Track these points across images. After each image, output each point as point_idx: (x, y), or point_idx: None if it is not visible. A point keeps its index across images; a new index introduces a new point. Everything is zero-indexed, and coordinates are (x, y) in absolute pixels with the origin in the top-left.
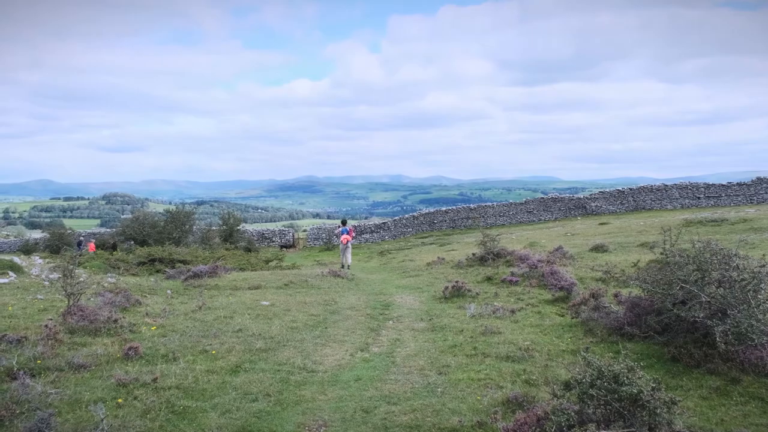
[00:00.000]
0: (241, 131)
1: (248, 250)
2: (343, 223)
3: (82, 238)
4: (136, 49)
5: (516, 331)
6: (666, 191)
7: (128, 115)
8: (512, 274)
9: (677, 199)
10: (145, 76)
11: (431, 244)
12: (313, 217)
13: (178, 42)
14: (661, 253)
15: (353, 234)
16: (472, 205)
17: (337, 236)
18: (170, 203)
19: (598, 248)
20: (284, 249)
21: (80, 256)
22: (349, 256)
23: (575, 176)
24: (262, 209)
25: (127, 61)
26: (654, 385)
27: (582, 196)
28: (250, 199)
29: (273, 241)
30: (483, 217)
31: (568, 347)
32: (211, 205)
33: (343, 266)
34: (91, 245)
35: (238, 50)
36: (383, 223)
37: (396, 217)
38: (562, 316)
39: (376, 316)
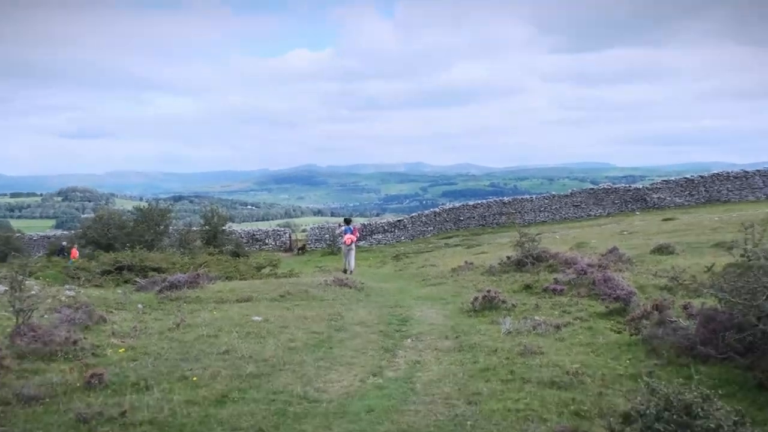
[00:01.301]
0: (228, 113)
1: (236, 254)
2: (347, 221)
3: (64, 243)
4: (102, 14)
5: (562, 351)
6: (747, 179)
7: (93, 95)
8: (556, 281)
9: (761, 188)
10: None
11: (457, 245)
12: (314, 215)
13: (155, 5)
14: (742, 256)
15: (358, 234)
16: (506, 199)
17: (340, 236)
18: (141, 199)
19: (662, 249)
20: (279, 253)
21: (66, 264)
22: (352, 259)
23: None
24: (252, 205)
25: (92, 30)
26: (736, 418)
27: (641, 187)
28: (239, 194)
29: (266, 244)
30: (519, 212)
31: (626, 371)
32: (191, 201)
33: (345, 271)
34: (74, 251)
35: (225, 16)
36: (398, 221)
37: (414, 214)
38: (619, 332)
39: (391, 334)
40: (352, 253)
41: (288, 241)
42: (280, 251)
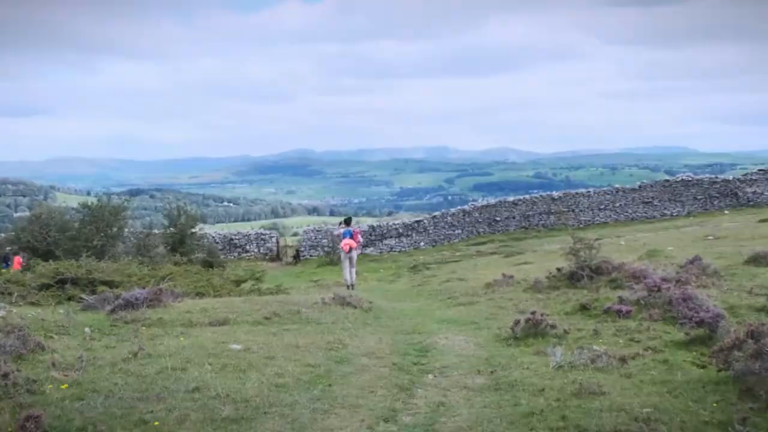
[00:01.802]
0: (200, 83)
1: (209, 264)
2: (346, 222)
3: (9, 249)
4: None
5: (629, 391)
6: None
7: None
8: (621, 300)
9: None
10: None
11: (492, 253)
12: (309, 214)
13: None
14: None
15: (360, 238)
16: (555, 194)
17: (338, 239)
18: (90, 194)
19: (759, 260)
20: (265, 263)
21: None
22: (352, 270)
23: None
24: (230, 202)
25: None
26: None
27: (731, 178)
28: (213, 187)
29: (247, 251)
30: (573, 211)
31: (712, 417)
32: (153, 197)
33: (349, 287)
34: (17, 259)
35: None
36: (417, 222)
37: (437, 213)
38: (703, 367)
39: (407, 368)
40: (352, 262)
41: (275, 248)
42: (265, 260)
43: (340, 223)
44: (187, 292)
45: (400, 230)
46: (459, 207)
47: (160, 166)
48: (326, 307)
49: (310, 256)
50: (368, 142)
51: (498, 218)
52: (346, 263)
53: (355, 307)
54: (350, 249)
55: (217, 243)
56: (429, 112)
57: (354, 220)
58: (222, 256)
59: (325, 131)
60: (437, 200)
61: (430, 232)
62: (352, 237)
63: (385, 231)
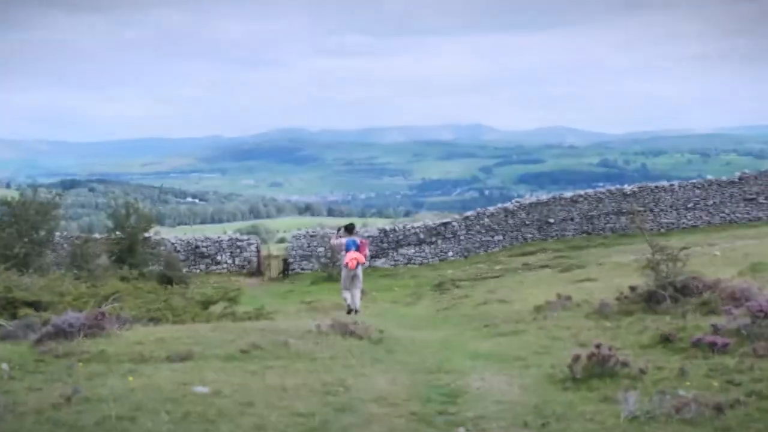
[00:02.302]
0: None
1: (167, 280)
2: (348, 229)
3: None
4: None
5: None
6: None
7: None
8: (715, 329)
9: None
10: None
11: (543, 266)
12: (300, 214)
13: None
14: None
15: (367, 250)
16: (628, 188)
17: (339, 252)
18: (9, 186)
19: None
20: (241, 278)
21: None
22: (356, 293)
23: None
24: (196, 197)
25: None
26: None
27: None
28: (173, 177)
29: (218, 263)
30: (651, 210)
31: None
32: (92, 189)
33: (349, 310)
34: None
35: None
36: (444, 224)
37: (470, 213)
38: None
39: (430, 419)
40: (358, 281)
41: (255, 259)
42: (241, 275)
43: (339, 231)
44: (138, 316)
45: (422, 236)
46: (499, 205)
47: (102, 150)
48: (323, 336)
49: (302, 269)
50: (379, 118)
51: (551, 220)
52: (349, 281)
53: (361, 338)
54: (356, 265)
55: (179, 252)
56: (459, 80)
57: (360, 226)
58: (185, 270)
59: (322, 105)
60: (470, 196)
61: (461, 238)
62: (358, 249)
63: (401, 237)
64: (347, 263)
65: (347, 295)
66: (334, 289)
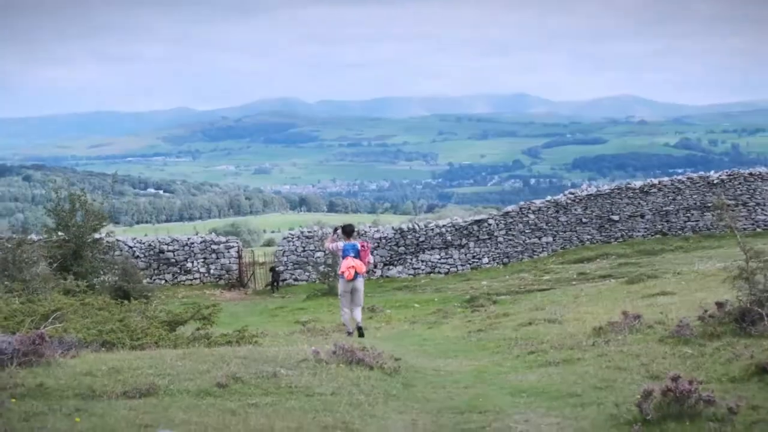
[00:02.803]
0: None
1: (124, 294)
2: (346, 231)
3: None
4: None
5: None
6: None
7: None
8: None
9: None
10: None
11: (606, 276)
12: (293, 209)
13: None
14: None
15: (370, 258)
16: (714, 174)
17: (336, 255)
18: None
19: None
20: (218, 292)
21: None
22: (356, 310)
23: None
24: (160, 188)
25: None
26: None
27: None
28: (131, 162)
29: (189, 272)
30: (745, 204)
31: None
32: (27, 178)
33: (351, 332)
34: None
35: None
36: (477, 222)
37: (511, 208)
38: None
39: None
40: (359, 296)
41: (236, 267)
42: (218, 288)
43: (336, 232)
44: (86, 339)
45: (449, 237)
46: (549, 198)
47: (38, 127)
48: (322, 366)
49: (296, 280)
50: (393, 86)
51: (615, 217)
52: (348, 297)
53: (372, 368)
54: (355, 274)
55: (138, 258)
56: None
57: (368, 226)
58: (146, 280)
59: (320, 67)
60: (511, 186)
61: (500, 240)
62: (358, 256)
63: (422, 239)
64: (343, 272)
65: (347, 313)
66: (337, 305)
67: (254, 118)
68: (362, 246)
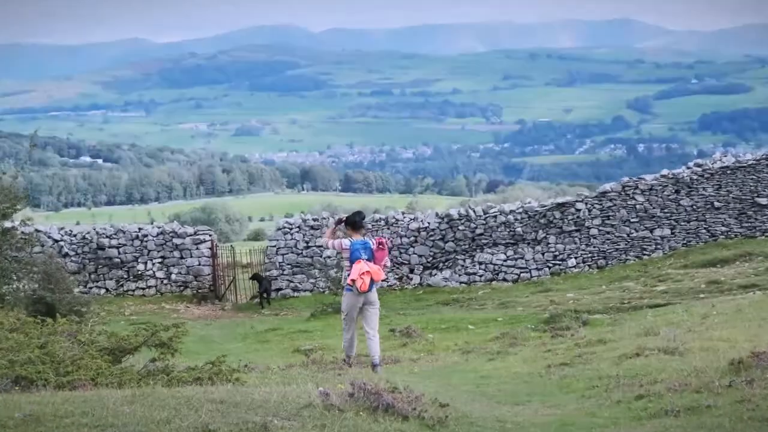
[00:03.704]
0: None
1: (46, 308)
2: (353, 223)
3: None
4: None
5: None
6: None
7: None
8: None
9: None
10: None
11: (747, 286)
12: (291, 187)
13: None
14: None
15: (387, 259)
16: None
17: (340, 257)
18: None
19: None
20: (183, 306)
21: None
22: (374, 336)
23: None
24: (99, 156)
25: None
26: None
27: None
28: (56, 117)
29: (141, 277)
30: None
31: None
32: None
33: (347, 359)
34: None
35: None
36: (560, 206)
37: (609, 186)
38: None
39: None
40: (373, 314)
41: (209, 270)
42: (183, 300)
43: (338, 225)
44: None
45: (518, 228)
46: (666, 172)
47: None
48: (334, 415)
49: (295, 290)
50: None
51: (764, 200)
52: (354, 314)
53: (406, 417)
54: (371, 284)
55: (68, 256)
56: None
57: (399, 212)
58: (78, 289)
59: None
60: (609, 153)
61: (593, 232)
62: (372, 258)
63: (479, 230)
64: (352, 281)
65: (352, 337)
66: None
67: (235, 55)
68: (378, 244)
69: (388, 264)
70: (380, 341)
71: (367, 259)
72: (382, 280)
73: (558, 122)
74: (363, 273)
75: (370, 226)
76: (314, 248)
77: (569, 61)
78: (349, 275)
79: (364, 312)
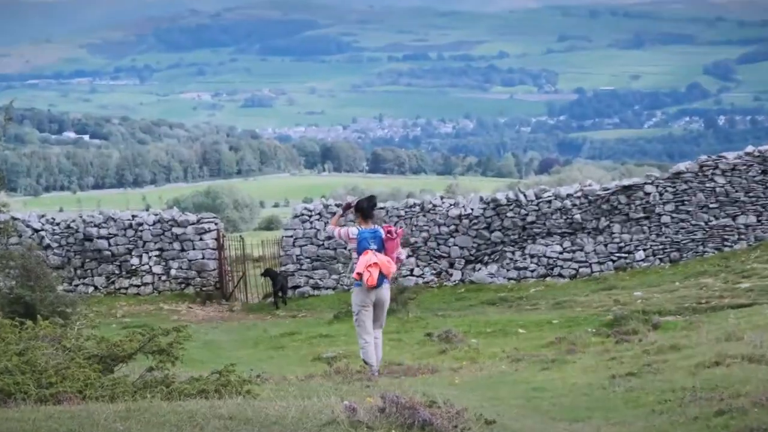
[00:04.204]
0: None
1: (26, 309)
2: (363, 210)
3: None
4: None
5: None
6: None
7: None
8: None
9: None
10: None
11: None
12: (310, 167)
13: None
14: None
15: (401, 251)
16: None
17: (347, 247)
18: None
19: None
20: (185, 306)
21: None
22: (379, 334)
23: None
24: (85, 131)
25: None
26: None
27: None
28: (35, 85)
29: (135, 273)
30: None
31: None
32: None
33: (368, 364)
34: None
35: None
36: (624, 190)
37: (684, 166)
38: None
39: None
40: (382, 311)
41: (215, 264)
42: (185, 299)
43: (347, 211)
44: None
45: (578, 215)
46: (751, 149)
47: None
48: None
49: (315, 288)
50: None
51: None
52: (369, 314)
53: None
54: (380, 278)
55: (50, 248)
56: None
57: (436, 195)
58: (62, 287)
59: None
60: (685, 127)
61: (665, 220)
62: (382, 248)
63: (531, 217)
64: (360, 274)
65: (370, 343)
66: (385, 332)
67: (243, 13)
68: (388, 233)
69: (403, 257)
70: (415, 347)
71: (376, 250)
72: (402, 276)
73: (623, 91)
74: (370, 265)
75: (402, 213)
76: (336, 241)
77: (636, 19)
78: (359, 269)
79: (376, 309)
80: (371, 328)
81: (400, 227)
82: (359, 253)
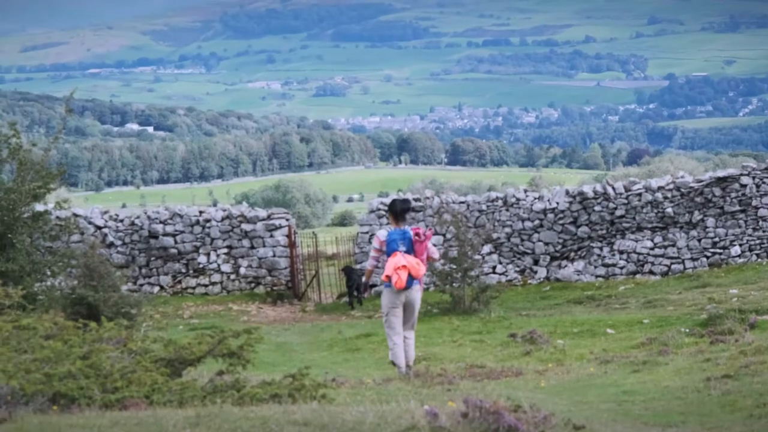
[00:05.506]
0: None
1: (88, 310)
2: (394, 210)
3: None
4: None
5: None
6: None
7: None
8: None
9: None
10: None
11: None
12: (385, 160)
13: None
14: None
15: (432, 250)
16: None
17: (379, 251)
18: None
19: None
20: (255, 306)
21: None
22: (411, 335)
23: None
24: (146, 123)
25: None
26: None
27: None
28: (96, 75)
29: (203, 272)
30: None
31: None
32: None
33: (397, 366)
34: None
35: None
36: (719, 182)
37: None
38: None
39: None
40: (413, 314)
41: (287, 263)
42: (255, 299)
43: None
44: (25, 390)
45: (668, 208)
46: None
47: None
48: None
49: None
50: None
51: None
52: (399, 317)
53: None
54: (410, 280)
55: (114, 246)
56: None
57: (523, 187)
58: (126, 287)
59: None
60: None
61: (761, 212)
62: (412, 250)
63: (620, 212)
64: (389, 276)
65: (400, 346)
66: (466, 332)
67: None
68: (416, 235)
69: (436, 255)
70: (498, 348)
71: (405, 252)
72: (483, 274)
73: (717, 77)
74: (399, 267)
75: (484, 207)
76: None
77: (731, 1)
78: (387, 272)
79: (406, 311)
80: (401, 330)
81: (430, 228)
82: (388, 255)
